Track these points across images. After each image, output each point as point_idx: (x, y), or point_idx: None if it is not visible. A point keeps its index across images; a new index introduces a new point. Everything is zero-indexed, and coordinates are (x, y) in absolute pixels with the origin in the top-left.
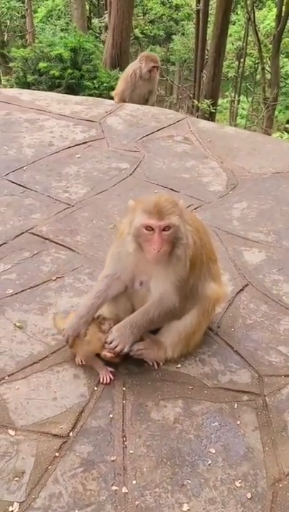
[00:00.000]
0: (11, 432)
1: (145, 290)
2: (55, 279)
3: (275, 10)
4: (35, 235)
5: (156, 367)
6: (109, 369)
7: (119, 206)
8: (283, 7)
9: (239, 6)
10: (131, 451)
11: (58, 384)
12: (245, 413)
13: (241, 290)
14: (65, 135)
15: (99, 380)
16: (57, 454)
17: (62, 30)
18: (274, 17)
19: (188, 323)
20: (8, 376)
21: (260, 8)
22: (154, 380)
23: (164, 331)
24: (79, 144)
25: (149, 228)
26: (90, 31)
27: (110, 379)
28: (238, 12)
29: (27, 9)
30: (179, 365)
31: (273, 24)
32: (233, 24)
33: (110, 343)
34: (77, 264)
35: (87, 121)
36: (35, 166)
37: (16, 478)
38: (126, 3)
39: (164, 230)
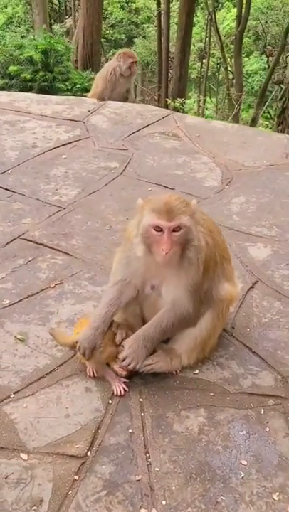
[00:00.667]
0: (24, 456)
1: (156, 295)
2: (53, 286)
3: (233, 11)
4: (27, 240)
5: (174, 373)
6: (123, 380)
7: (113, 206)
8: (243, 8)
9: (199, 7)
10: (156, 469)
11: (69, 399)
12: (273, 418)
13: (252, 287)
14: (48, 136)
15: (113, 393)
16: (76, 477)
17: (22, 37)
18: (233, 18)
19: (203, 328)
20: (14, 394)
21: (219, 9)
22: (172, 388)
23: (177, 338)
24: (64, 145)
25: (158, 229)
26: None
27: (124, 390)
28: (198, 14)
29: None
30: (197, 371)
31: (232, 24)
32: (194, 26)
33: (123, 360)
34: (76, 270)
35: (70, 121)
36: (21, 168)
37: (34, 508)
38: (95, 3)
39: (174, 230)
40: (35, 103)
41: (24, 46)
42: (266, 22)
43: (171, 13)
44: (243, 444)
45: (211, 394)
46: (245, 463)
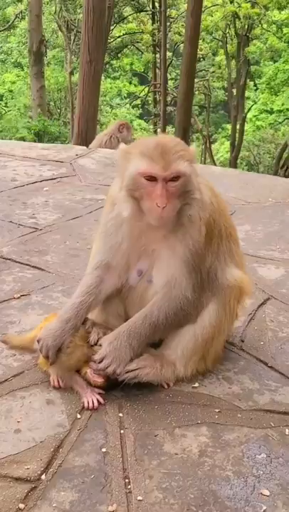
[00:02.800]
0: None
1: (145, 285)
2: (18, 297)
3: (227, 143)
4: None
5: (165, 386)
6: (97, 391)
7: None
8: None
9: (194, 137)
10: (139, 498)
11: (23, 412)
12: None
13: (263, 303)
14: (30, 172)
15: (82, 406)
16: (21, 506)
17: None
18: (227, 149)
19: (205, 324)
20: None
21: (213, 143)
22: (163, 402)
23: (170, 339)
24: (47, 180)
25: (151, 178)
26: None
27: (99, 403)
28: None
29: None
30: (196, 384)
31: (226, 155)
32: None
33: (100, 362)
34: (48, 283)
35: (56, 162)
36: None
37: None
38: (92, 91)
39: (170, 180)
40: (20, 147)
41: (17, 128)
42: (258, 153)
43: None
44: (264, 470)
45: (216, 410)
46: (267, 493)
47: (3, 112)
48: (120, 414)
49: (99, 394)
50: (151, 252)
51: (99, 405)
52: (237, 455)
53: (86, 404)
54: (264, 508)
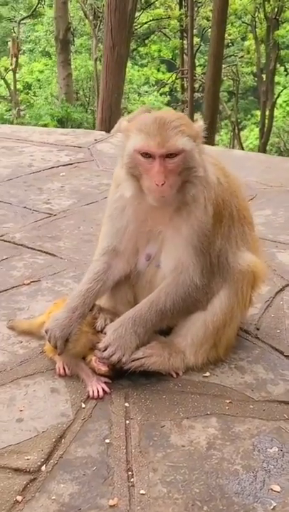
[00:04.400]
0: None
1: (154, 270)
2: (28, 283)
3: (256, 130)
4: (5, 241)
5: (174, 375)
6: (103, 379)
7: None
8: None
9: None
10: (142, 492)
11: (27, 401)
12: None
13: (281, 290)
14: (47, 158)
15: (88, 395)
16: (19, 498)
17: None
18: (256, 136)
19: (216, 311)
20: None
21: (242, 129)
22: (171, 392)
23: (180, 327)
24: (64, 165)
25: (147, 155)
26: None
27: (104, 392)
28: (222, 133)
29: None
30: (207, 373)
31: (256, 142)
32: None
33: (104, 350)
34: (59, 269)
35: (74, 147)
36: (11, 182)
37: None
38: (115, 76)
39: (167, 156)
40: (38, 133)
41: (41, 115)
42: (288, 139)
43: None
44: (275, 464)
45: (227, 401)
46: (277, 488)
47: (32, 101)
48: (126, 404)
49: (105, 383)
50: (158, 235)
51: (104, 394)
52: (247, 448)
53: (91, 393)
54: (274, 504)
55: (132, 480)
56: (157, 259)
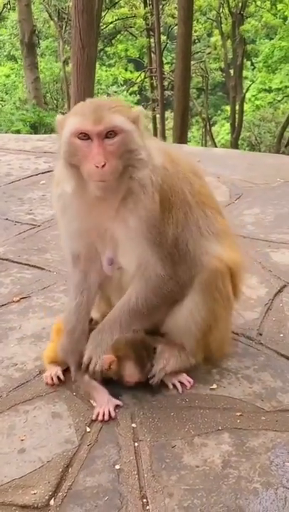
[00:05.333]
0: None
1: (118, 272)
2: (18, 301)
3: (227, 125)
4: None
5: (180, 390)
6: (114, 401)
7: None
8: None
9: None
10: None
11: (28, 428)
12: None
13: (280, 291)
14: (25, 166)
15: (94, 417)
16: None
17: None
18: (227, 131)
19: (197, 319)
20: None
21: (213, 125)
22: (179, 408)
23: (171, 334)
24: (43, 173)
25: (84, 136)
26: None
27: (110, 417)
28: (193, 129)
29: None
30: (214, 386)
31: (227, 137)
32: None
33: (88, 363)
34: (49, 282)
35: (52, 153)
36: None
37: None
38: (86, 78)
39: (106, 137)
40: (14, 140)
41: (12, 121)
42: (259, 133)
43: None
44: None
45: (238, 414)
46: None
47: (0, 106)
48: (133, 425)
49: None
50: (105, 233)
51: (109, 419)
52: (264, 463)
53: (100, 416)
54: None
55: (147, 508)
56: (117, 261)
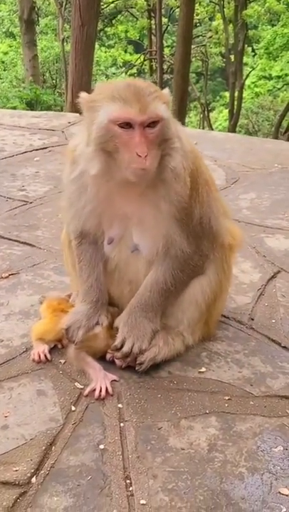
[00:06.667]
0: None
1: (129, 254)
2: (6, 277)
3: (225, 111)
4: None
5: None
6: (110, 377)
7: None
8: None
9: (192, 106)
10: (142, 502)
11: (11, 405)
12: None
13: (273, 277)
14: (19, 142)
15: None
16: None
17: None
18: (225, 118)
19: (206, 289)
20: None
21: (211, 111)
22: (167, 390)
23: (174, 310)
24: (37, 149)
25: (126, 125)
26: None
27: (107, 393)
28: (191, 115)
29: None
30: (203, 369)
31: (225, 124)
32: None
33: (121, 346)
34: (39, 260)
35: (47, 130)
36: None
37: None
38: (84, 57)
39: (148, 126)
40: (8, 116)
41: (8, 98)
42: (257, 121)
43: None
44: (281, 465)
45: (226, 398)
46: (286, 492)
47: None
48: (119, 405)
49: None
50: (125, 217)
51: (107, 395)
52: (250, 448)
53: (97, 393)
54: (284, 509)
55: (130, 489)
56: (131, 243)
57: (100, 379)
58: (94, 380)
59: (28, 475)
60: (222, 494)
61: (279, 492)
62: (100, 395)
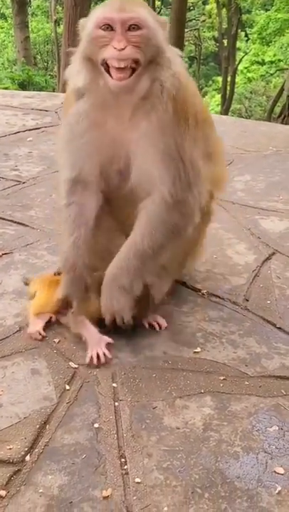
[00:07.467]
0: None
1: (128, 190)
2: (0, 256)
3: (218, 96)
4: None
5: (157, 328)
6: (107, 340)
7: None
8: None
9: None
10: (137, 480)
11: (5, 384)
12: None
13: (268, 259)
14: (12, 122)
15: (73, 374)
16: (3, 493)
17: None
18: (217, 103)
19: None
20: None
21: (203, 96)
22: (162, 370)
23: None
24: (30, 130)
25: (108, 27)
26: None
27: (104, 357)
28: None
29: None
30: (198, 349)
31: (217, 109)
32: None
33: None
34: (32, 240)
35: (40, 111)
36: None
37: None
38: (77, 38)
39: (129, 29)
40: (1, 96)
41: (0, 78)
42: (250, 106)
43: None
44: (276, 445)
45: (221, 378)
46: (281, 471)
47: None
48: (114, 384)
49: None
50: (120, 147)
51: (105, 359)
52: (246, 428)
53: (95, 360)
54: (279, 488)
55: (125, 467)
56: (128, 175)
57: (95, 344)
58: (89, 347)
59: (22, 453)
60: (217, 473)
61: (274, 471)
62: (98, 362)
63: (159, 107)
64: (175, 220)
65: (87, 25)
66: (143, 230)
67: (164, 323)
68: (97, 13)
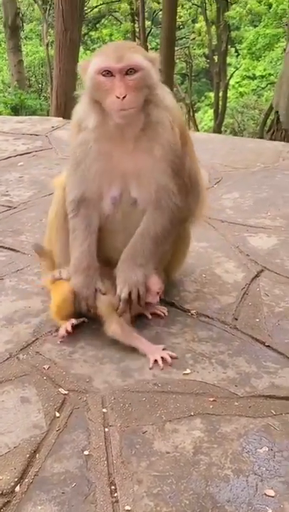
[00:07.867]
0: None
1: (129, 209)
2: None
3: (210, 111)
4: None
5: (162, 315)
6: (162, 346)
7: None
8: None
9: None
10: (127, 508)
11: None
12: None
13: (257, 276)
14: (3, 147)
15: (63, 401)
16: None
17: None
18: (210, 118)
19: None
20: None
21: (196, 111)
22: (151, 393)
23: None
24: (21, 154)
25: (107, 73)
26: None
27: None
28: None
29: None
30: (188, 370)
31: (210, 124)
32: None
33: (121, 295)
34: (22, 265)
35: (31, 135)
36: None
37: None
38: (68, 61)
39: (126, 74)
40: None
41: None
42: (242, 120)
43: None
44: (266, 466)
45: (211, 399)
46: (271, 493)
47: None
48: (104, 410)
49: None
50: (123, 173)
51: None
52: (236, 450)
53: (160, 362)
54: (269, 511)
55: (115, 495)
56: (128, 197)
57: (154, 352)
58: (148, 352)
59: (12, 484)
60: (208, 497)
61: (265, 494)
62: (167, 362)
63: (162, 135)
64: (182, 215)
65: (89, 71)
66: (155, 220)
67: (164, 310)
68: (98, 62)
